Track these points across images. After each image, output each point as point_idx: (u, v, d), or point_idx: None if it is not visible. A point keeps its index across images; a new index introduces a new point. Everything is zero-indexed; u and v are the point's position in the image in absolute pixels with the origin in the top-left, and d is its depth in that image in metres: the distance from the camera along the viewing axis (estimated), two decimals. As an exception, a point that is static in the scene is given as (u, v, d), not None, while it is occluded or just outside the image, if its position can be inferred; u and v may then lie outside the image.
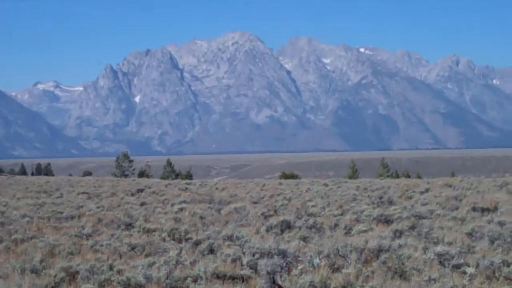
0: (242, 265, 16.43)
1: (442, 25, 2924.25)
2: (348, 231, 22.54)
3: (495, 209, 28.19)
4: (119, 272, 15.84)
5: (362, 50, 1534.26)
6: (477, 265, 15.43)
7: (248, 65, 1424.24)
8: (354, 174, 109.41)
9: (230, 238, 20.26)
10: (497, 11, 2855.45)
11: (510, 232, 19.50)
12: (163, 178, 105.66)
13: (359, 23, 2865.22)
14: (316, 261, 16.21)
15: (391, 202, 34.00)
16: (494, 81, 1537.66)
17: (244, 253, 17.21)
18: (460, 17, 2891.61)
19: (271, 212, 29.40)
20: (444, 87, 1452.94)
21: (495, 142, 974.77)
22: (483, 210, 27.62)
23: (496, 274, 15.22)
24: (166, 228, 22.73)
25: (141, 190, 50.87)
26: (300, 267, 16.05)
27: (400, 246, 17.67)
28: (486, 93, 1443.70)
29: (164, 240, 21.35)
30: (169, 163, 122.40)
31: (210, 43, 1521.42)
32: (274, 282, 14.90)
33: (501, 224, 21.44)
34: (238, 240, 19.52)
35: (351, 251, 16.77)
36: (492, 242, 18.84)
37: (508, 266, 15.49)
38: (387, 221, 25.20)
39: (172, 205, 34.85)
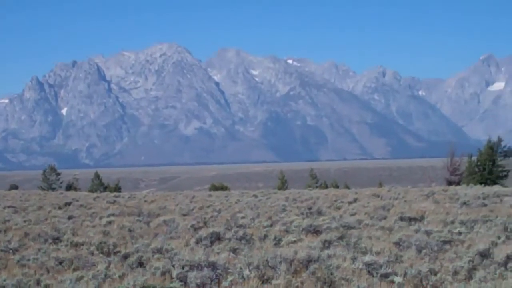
0: (171, 278, 16.32)
1: (369, 37, 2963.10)
2: (277, 242, 22.58)
3: (422, 218, 28.61)
4: (47, 287, 15.57)
5: (290, 61, 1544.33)
6: (405, 274, 15.62)
7: (176, 76, 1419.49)
8: (283, 185, 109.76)
9: (159, 251, 20.10)
10: (421, 24, 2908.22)
11: (436, 241, 19.81)
12: (91, 191, 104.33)
13: (286, 35, 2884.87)
14: (246, 272, 16.20)
15: (320, 213, 34.21)
16: (420, 92, 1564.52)
17: (173, 266, 17.09)
18: (386, 29, 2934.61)
19: (201, 224, 29.30)
20: (371, 98, 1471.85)
21: (422, 152, 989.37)
22: (410, 219, 28.00)
23: (424, 283, 15.44)
24: (94, 241, 22.45)
25: (69, 204, 50.16)
26: (230, 279, 16.01)
27: (329, 256, 17.78)
28: (412, 104, 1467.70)
29: (92, 253, 21.08)
30: (97, 176, 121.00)
31: (137, 54, 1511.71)
32: (204, 294, 14.83)
33: (428, 233, 21.76)
34: (168, 252, 19.40)
35: (280, 262, 16.80)
36: (419, 251, 19.11)
37: (435, 274, 15.71)
38: (316, 231, 25.35)
39: (101, 218, 34.44)
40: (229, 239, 23.20)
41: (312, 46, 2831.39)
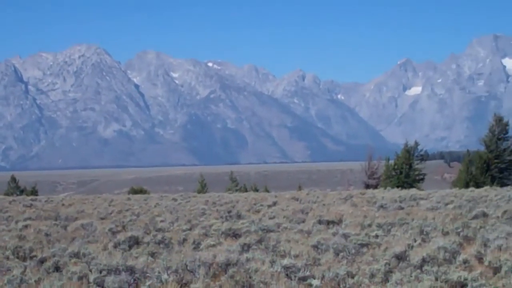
0: (89, 282, 16.12)
1: (288, 41, 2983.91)
2: (196, 246, 22.51)
3: (340, 221, 28.90)
4: (-41, 293, 15.20)
5: (210, 64, 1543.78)
6: (323, 277, 15.73)
7: (95, 78, 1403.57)
8: (203, 188, 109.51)
9: (76, 255, 19.82)
10: (340, 27, 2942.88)
11: (354, 244, 20.03)
12: (6, 194, 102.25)
13: (207, 38, 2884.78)
14: (164, 276, 16.10)
15: (239, 216, 34.24)
16: (339, 96, 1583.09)
17: (91, 270, 16.88)
18: (305, 32, 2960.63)
19: (119, 228, 29.00)
20: (291, 102, 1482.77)
21: (340, 155, 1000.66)
22: (328, 222, 28.24)
23: (341, 286, 15.58)
24: (9, 246, 22.00)
25: (-17, 207, 49.08)
26: (148, 283, 15.89)
27: (248, 259, 17.80)
28: (331, 108, 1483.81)
29: (7, 258, 20.64)
30: (13, 179, 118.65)
31: (56, 55, 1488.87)
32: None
33: (345, 236, 21.98)
34: (85, 257, 19.15)
35: (199, 266, 16.75)
36: (337, 254, 19.28)
37: (353, 277, 15.88)
38: (236, 235, 25.36)
39: (17, 222, 33.77)
40: (148, 243, 23.02)
41: (232, 50, 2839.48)
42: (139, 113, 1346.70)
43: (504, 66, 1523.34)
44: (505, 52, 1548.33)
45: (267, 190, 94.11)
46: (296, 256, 18.52)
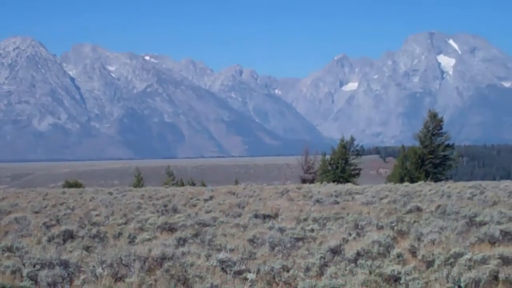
0: (22, 276, 15.89)
1: (226, 36, 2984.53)
2: (132, 240, 22.34)
3: (276, 215, 29.01)
4: None
5: (147, 58, 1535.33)
6: (258, 271, 15.76)
7: (30, 71, 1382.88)
8: (139, 182, 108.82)
9: (9, 249, 19.50)
10: (278, 23, 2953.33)
11: (290, 238, 20.12)
12: None
13: (145, 31, 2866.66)
14: (99, 270, 15.95)
15: (175, 210, 34.13)
16: (276, 91, 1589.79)
17: (24, 264, 16.65)
18: (243, 28, 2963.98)
19: (53, 222, 28.64)
20: (228, 96, 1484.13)
21: (277, 150, 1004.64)
22: (264, 217, 28.31)
23: (276, 279, 15.63)
24: None
25: None
26: (82, 277, 15.73)
27: (183, 253, 17.75)
28: (269, 103, 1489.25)
29: None
30: None
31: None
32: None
33: (281, 230, 22.05)
34: (18, 251, 18.85)
35: (134, 260, 16.63)
36: (272, 248, 19.34)
37: (288, 271, 15.94)
38: (172, 229, 25.26)
39: None
40: (82, 237, 22.78)
41: (170, 43, 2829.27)
42: (74, 106, 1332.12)
43: (439, 63, 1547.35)
44: (440, 49, 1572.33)
45: (204, 184, 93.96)
46: (232, 250, 18.53)
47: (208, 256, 17.34)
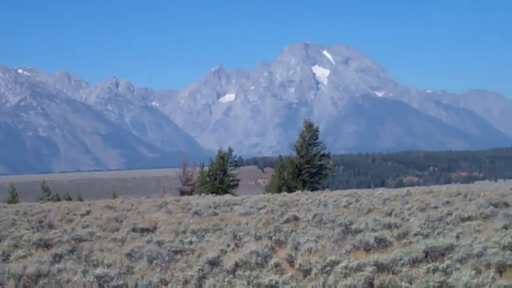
0: None
1: (101, 48, 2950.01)
2: (6, 258, 21.70)
3: (155, 228, 28.78)
4: None
5: (20, 71, 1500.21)
6: (136, 285, 15.61)
7: None
8: (13, 198, 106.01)
9: None
10: (155, 35, 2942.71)
11: (168, 251, 19.98)
12: None
13: (17, 43, 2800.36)
14: (-30, 291, 15.45)
15: (51, 226, 33.38)
16: (154, 103, 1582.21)
17: None
18: (119, 40, 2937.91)
19: None
20: (105, 109, 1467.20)
21: (155, 162, 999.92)
22: (143, 230, 28.04)
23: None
24: None
25: None
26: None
27: (59, 270, 17.38)
28: (146, 115, 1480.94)
29: None
30: None
31: None
32: None
33: (159, 243, 21.89)
34: None
35: (8, 278, 16.20)
36: (150, 261, 19.16)
37: (166, 284, 15.85)
38: (47, 245, 24.68)
39: None
40: (-47, 257, 21.98)
41: (43, 56, 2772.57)
42: None
43: (314, 74, 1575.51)
44: (315, 60, 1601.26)
45: (80, 199, 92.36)
46: (109, 265, 18.26)
47: (85, 272, 17.04)
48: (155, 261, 19.15)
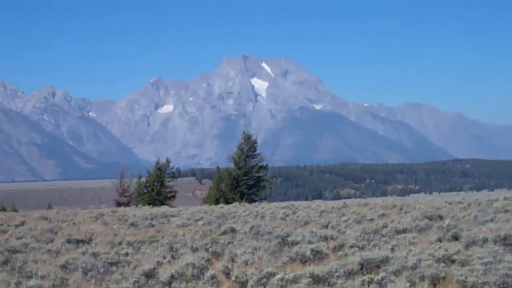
0: None
1: (38, 57, 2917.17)
2: None
3: (90, 240, 28.47)
4: None
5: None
6: (70, 298, 15.42)
7: None
8: None
9: None
10: (93, 45, 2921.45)
11: (103, 262, 19.78)
12: None
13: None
14: None
15: (-16, 237, 32.80)
16: (91, 114, 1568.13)
17: None
18: (56, 49, 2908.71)
19: None
20: (41, 119, 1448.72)
21: (92, 173, 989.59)
22: (78, 241, 27.72)
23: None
24: None
25: None
26: None
27: (-8, 282, 17.10)
28: (83, 125, 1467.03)
29: None
30: None
31: None
32: None
33: (95, 255, 21.66)
34: None
35: None
36: (85, 273, 18.95)
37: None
38: (-21, 257, 24.26)
39: None
40: None
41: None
42: None
43: (253, 86, 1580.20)
44: (253, 72, 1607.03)
45: (15, 210, 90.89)
46: (43, 277, 18.01)
47: (18, 284, 16.80)
48: (90, 273, 18.94)
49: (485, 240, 21.13)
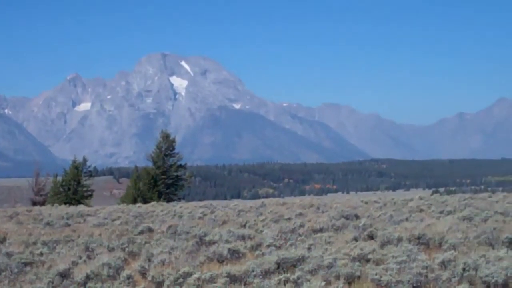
0: None
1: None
2: None
3: (4, 240, 27.95)
4: None
5: None
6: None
7: None
8: None
9: None
10: (6, 40, 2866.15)
11: (17, 262, 19.44)
12: None
13: None
14: None
15: None
16: (6, 111, 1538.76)
17: None
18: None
19: None
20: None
21: (7, 172, 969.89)
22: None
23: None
24: None
25: None
26: None
27: None
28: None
29: None
30: None
31: None
32: None
33: (8, 255, 21.29)
34: None
35: None
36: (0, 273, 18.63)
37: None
38: None
39: None
40: None
41: None
42: None
43: (172, 84, 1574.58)
44: (173, 70, 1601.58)
45: None
46: (-46, 278, 17.61)
47: None
48: (3, 273, 18.61)
49: (400, 239, 21.49)
